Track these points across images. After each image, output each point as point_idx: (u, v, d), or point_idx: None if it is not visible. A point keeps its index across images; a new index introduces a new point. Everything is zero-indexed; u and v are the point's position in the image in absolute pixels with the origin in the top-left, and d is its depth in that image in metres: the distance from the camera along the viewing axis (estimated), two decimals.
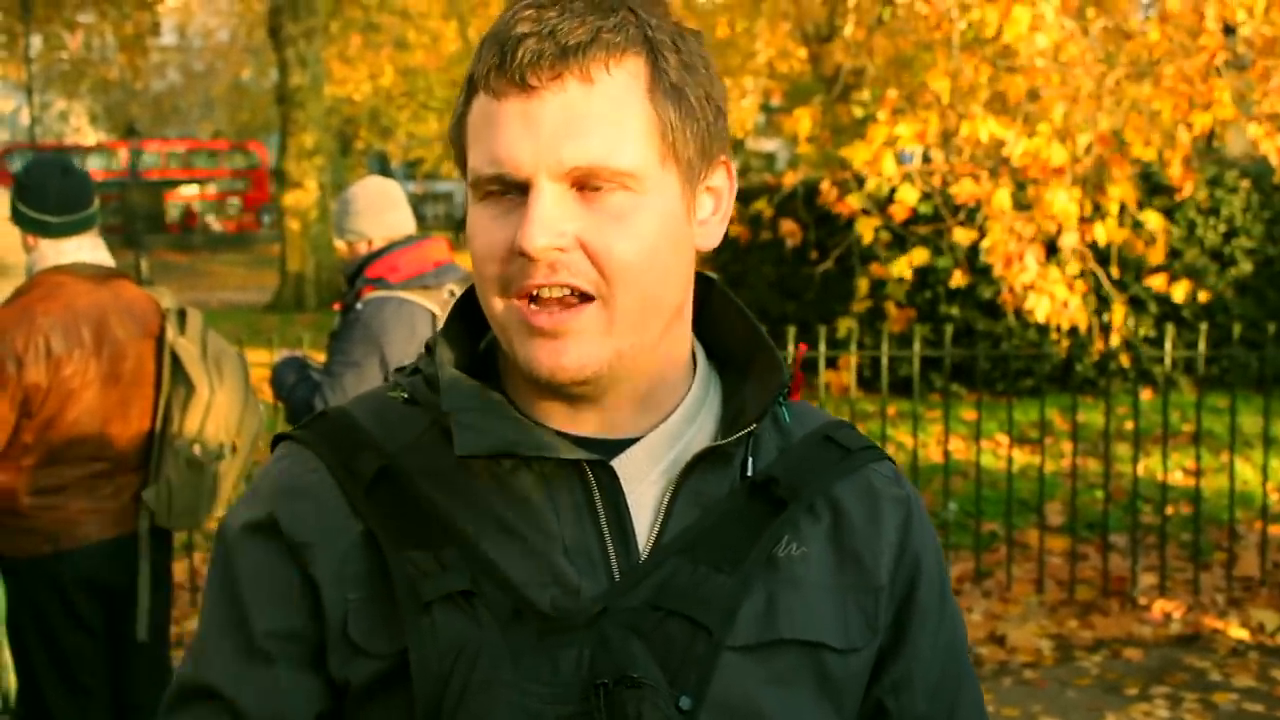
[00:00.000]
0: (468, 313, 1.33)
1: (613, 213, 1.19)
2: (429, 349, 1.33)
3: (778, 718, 1.24)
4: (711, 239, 1.29)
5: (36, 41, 29.12)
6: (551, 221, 1.17)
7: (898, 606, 1.34)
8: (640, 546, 1.25)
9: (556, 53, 1.16)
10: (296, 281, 23.25)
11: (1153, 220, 7.47)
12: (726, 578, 1.23)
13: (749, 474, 1.29)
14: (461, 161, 1.26)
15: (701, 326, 1.36)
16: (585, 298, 1.19)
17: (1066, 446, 9.12)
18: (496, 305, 1.22)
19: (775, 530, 1.27)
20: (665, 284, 1.23)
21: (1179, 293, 7.71)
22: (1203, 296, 7.94)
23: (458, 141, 1.26)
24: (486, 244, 1.21)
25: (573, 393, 1.24)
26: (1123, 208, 7.26)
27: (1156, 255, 7.47)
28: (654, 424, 1.28)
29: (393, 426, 1.30)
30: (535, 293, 1.19)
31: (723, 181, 1.29)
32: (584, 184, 1.18)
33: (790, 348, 6.57)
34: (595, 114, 1.17)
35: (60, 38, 29.27)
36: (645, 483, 1.26)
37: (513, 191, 1.19)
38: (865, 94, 11.38)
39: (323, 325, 16.87)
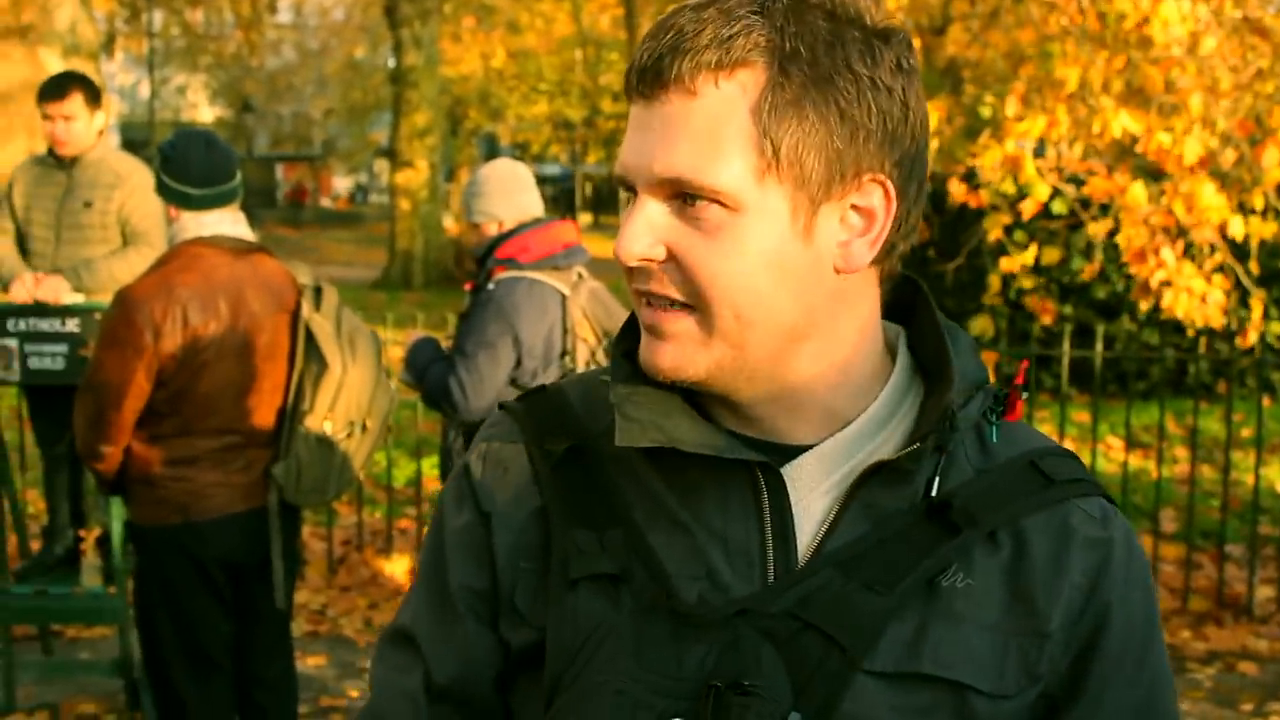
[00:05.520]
0: None
1: (706, 229, 1.18)
2: None
3: None
4: (856, 260, 1.22)
5: (158, 17, 29.65)
6: (641, 233, 1.19)
7: (1075, 656, 1.25)
8: (800, 555, 1.22)
9: (669, 62, 1.16)
10: (404, 259, 23.45)
11: None
12: (878, 598, 1.19)
13: (933, 494, 1.24)
14: None
15: (913, 334, 1.33)
16: (685, 306, 1.20)
17: (1181, 452, 8.96)
18: (633, 301, 1.26)
19: (942, 556, 1.21)
20: (770, 303, 1.19)
21: None
22: None
23: None
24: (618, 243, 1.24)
25: (694, 390, 1.25)
26: (1266, 201, 7.02)
27: None
28: (830, 433, 1.25)
29: (596, 409, 1.32)
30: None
31: (878, 202, 1.21)
32: (681, 197, 1.19)
33: None
34: (691, 128, 1.17)
35: (181, 14, 29.80)
36: (817, 492, 1.24)
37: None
38: (976, 91, 11.15)
39: (430, 304, 17.03)
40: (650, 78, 1.17)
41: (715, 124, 1.16)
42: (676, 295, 1.20)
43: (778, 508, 1.23)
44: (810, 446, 1.25)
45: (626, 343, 1.31)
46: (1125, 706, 1.26)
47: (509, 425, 1.35)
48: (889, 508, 1.23)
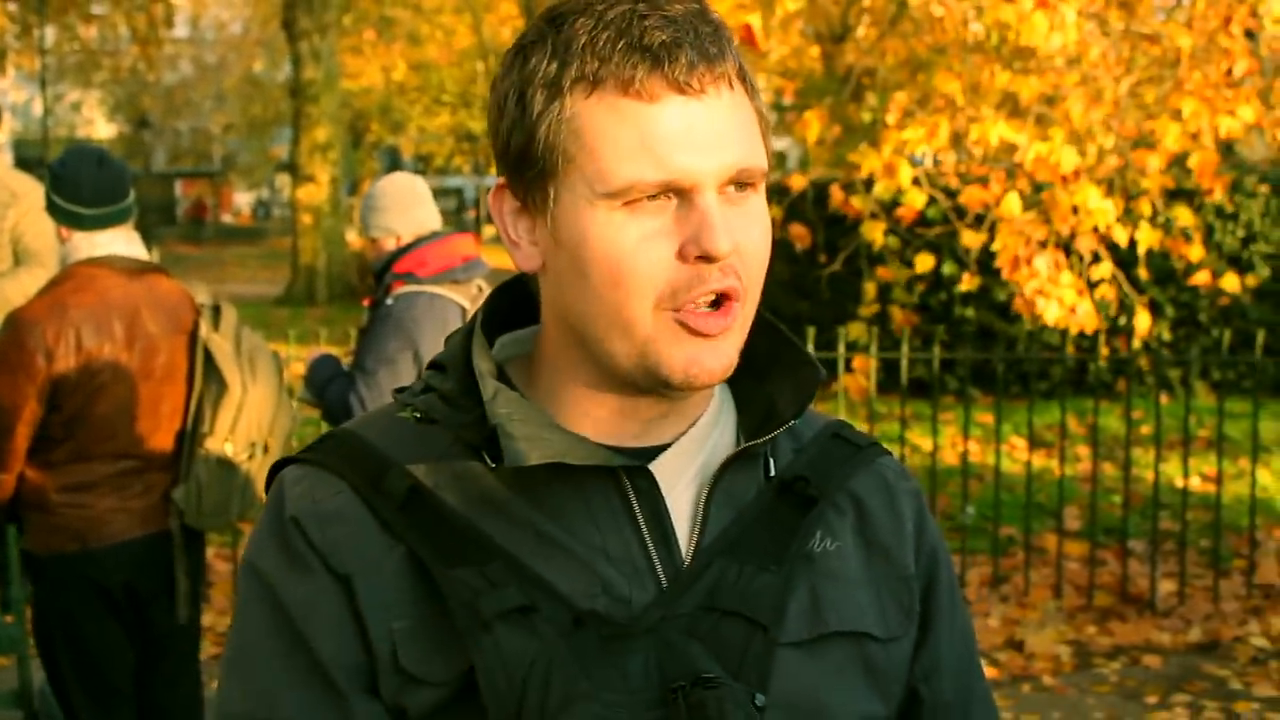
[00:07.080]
0: (487, 324, 1.31)
1: (752, 213, 1.22)
2: (436, 366, 1.29)
3: (837, 710, 1.27)
4: None
5: (51, 32, 29.13)
6: (727, 224, 1.18)
7: (922, 595, 1.36)
8: (682, 550, 1.24)
9: (709, 60, 1.18)
10: (308, 275, 23.22)
11: (1184, 216, 7.43)
12: (772, 576, 1.24)
13: (772, 474, 1.31)
14: (541, 161, 1.20)
15: None
16: (727, 298, 1.20)
17: (1084, 451, 9.11)
18: (644, 316, 1.18)
19: (808, 526, 1.29)
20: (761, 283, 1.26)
21: (1229, 284, 7.67)
22: (1233, 286, 7.82)
23: (552, 142, 1.20)
24: (645, 254, 1.17)
25: (677, 396, 1.25)
26: (1154, 209, 7.21)
27: (1196, 252, 7.44)
28: (683, 429, 1.28)
29: (409, 446, 1.25)
30: (693, 301, 1.18)
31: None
32: (733, 187, 1.20)
33: (810, 348, 6.53)
34: (743, 117, 1.21)
35: (74, 29, 29.28)
36: (680, 487, 1.26)
37: (672, 199, 1.18)
38: (873, 98, 11.28)
39: (333, 319, 16.89)
40: (703, 75, 1.17)
41: (749, 112, 1.22)
42: (738, 286, 1.19)
43: (651, 509, 1.23)
44: (662, 445, 1.27)
45: (490, 366, 1.25)
46: (956, 633, 1.40)
47: (319, 477, 1.24)
48: (742, 493, 1.28)
